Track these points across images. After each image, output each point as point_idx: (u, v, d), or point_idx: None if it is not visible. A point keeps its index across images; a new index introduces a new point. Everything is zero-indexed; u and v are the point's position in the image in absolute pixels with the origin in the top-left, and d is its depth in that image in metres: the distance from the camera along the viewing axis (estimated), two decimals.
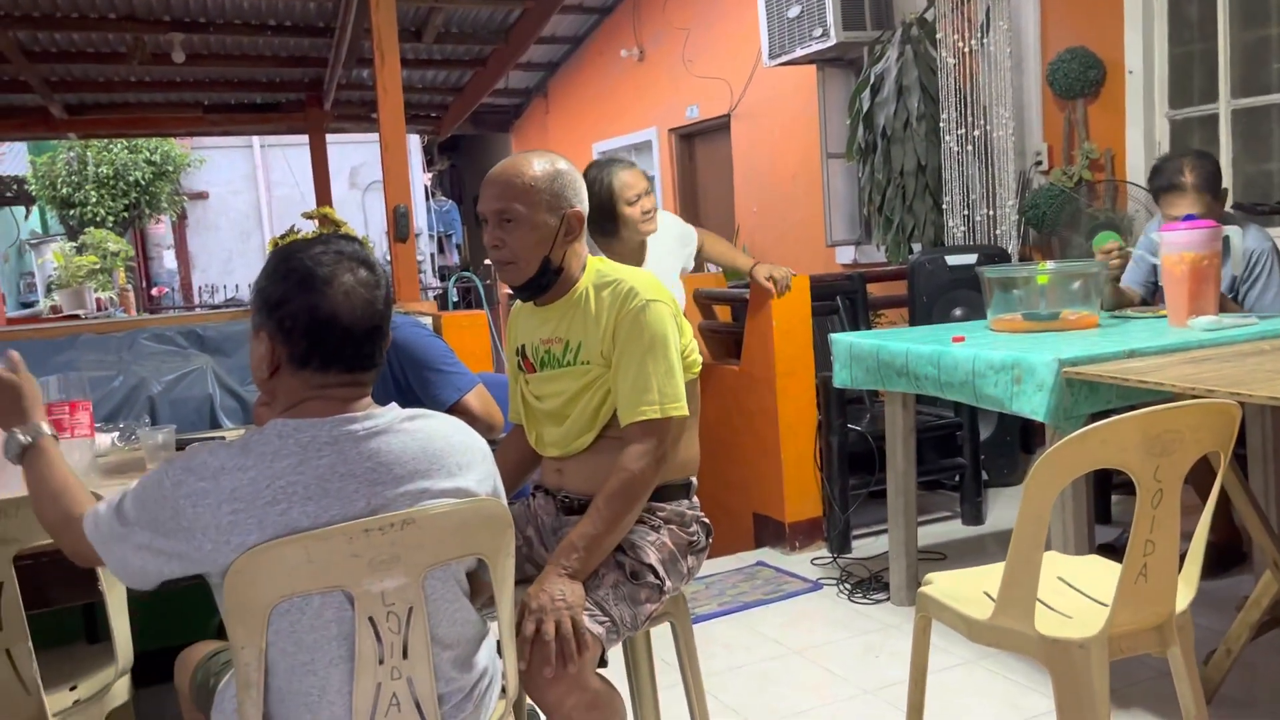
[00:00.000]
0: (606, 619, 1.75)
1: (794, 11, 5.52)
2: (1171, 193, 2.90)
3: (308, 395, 1.37)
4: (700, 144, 8.16)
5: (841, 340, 2.97)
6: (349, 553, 1.29)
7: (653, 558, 1.87)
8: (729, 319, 4.25)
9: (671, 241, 3.24)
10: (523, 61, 8.79)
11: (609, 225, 2.96)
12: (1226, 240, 2.69)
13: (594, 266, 1.98)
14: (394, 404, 1.42)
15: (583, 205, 1.92)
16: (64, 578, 1.76)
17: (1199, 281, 2.57)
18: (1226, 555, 2.99)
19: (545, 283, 1.93)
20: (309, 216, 4.59)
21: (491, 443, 2.25)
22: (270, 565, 1.26)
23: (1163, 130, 4.40)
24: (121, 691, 1.85)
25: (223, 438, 2.33)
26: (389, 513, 1.31)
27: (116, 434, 2.50)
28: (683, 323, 1.98)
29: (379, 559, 1.30)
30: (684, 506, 1.97)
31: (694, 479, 2.04)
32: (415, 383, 2.31)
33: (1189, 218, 2.72)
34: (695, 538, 1.97)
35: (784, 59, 5.72)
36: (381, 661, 1.33)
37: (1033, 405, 2.26)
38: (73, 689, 1.80)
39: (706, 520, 2.02)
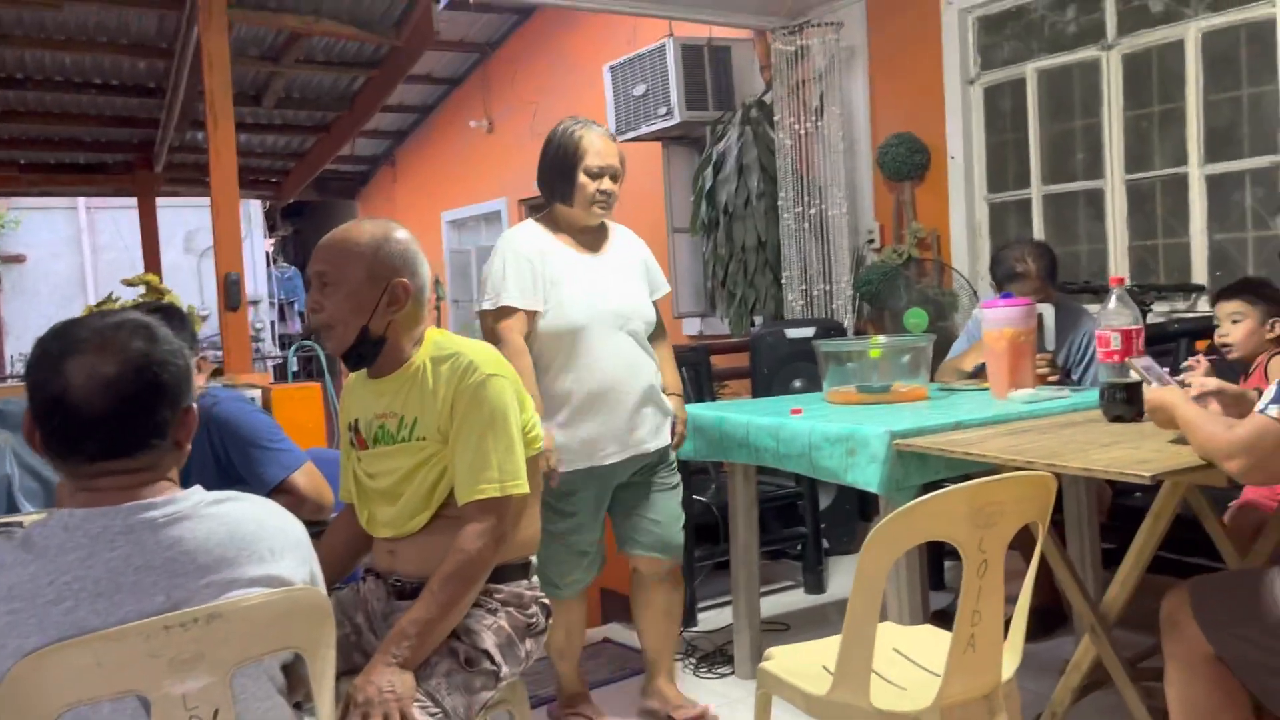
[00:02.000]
0: (439, 710, 1.67)
1: (639, 90, 5.66)
2: (1014, 281, 3.09)
3: (79, 484, 1.26)
4: None
5: (687, 412, 2.98)
6: (146, 653, 1.18)
7: (489, 643, 1.80)
8: None
9: (640, 271, 2.71)
10: (369, 129, 8.69)
11: (561, 186, 2.55)
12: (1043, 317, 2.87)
13: (433, 339, 1.93)
14: (198, 486, 1.32)
15: (414, 278, 1.88)
16: None
17: (1018, 356, 2.71)
18: (1049, 618, 3.11)
19: (364, 352, 1.87)
20: (130, 283, 4.37)
21: (321, 523, 2.15)
22: (54, 671, 1.14)
23: (982, 212, 4.68)
24: None
25: (20, 524, 2.12)
26: (192, 607, 1.21)
27: None
28: (524, 397, 1.94)
29: (180, 658, 1.19)
30: (523, 587, 1.92)
31: (534, 559, 1.98)
32: (238, 461, 2.18)
33: (1007, 295, 2.88)
34: (535, 620, 1.91)
35: (630, 135, 5.83)
36: None
37: (866, 477, 2.31)
38: None
39: (547, 601, 1.96)
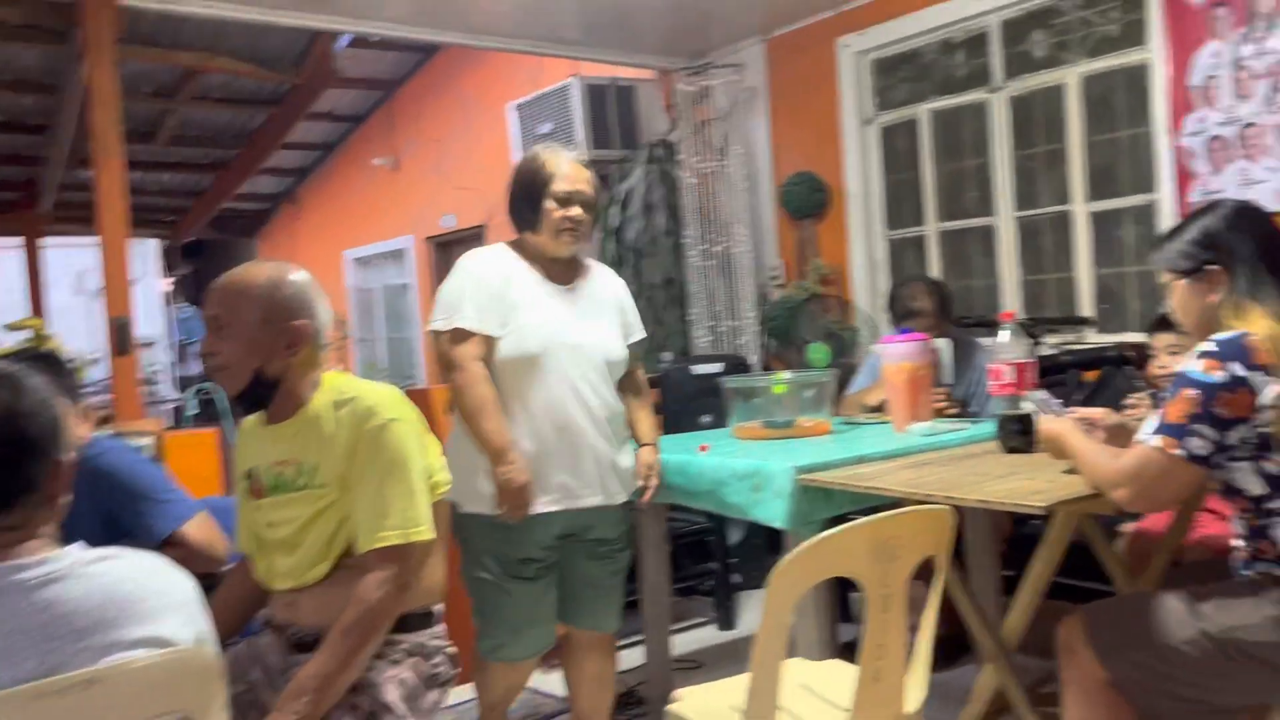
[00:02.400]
0: None
1: (545, 128, 5.67)
2: (910, 318, 3.18)
3: None
4: (457, 252, 8.10)
5: None
6: None
7: (392, 695, 1.75)
8: None
9: (613, 310, 2.53)
10: (270, 166, 8.53)
11: (528, 213, 2.39)
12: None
13: (332, 383, 1.88)
14: (76, 544, 1.26)
15: (311, 320, 1.83)
16: None
17: (916, 390, 2.77)
18: (953, 647, 3.17)
19: (260, 396, 1.82)
20: (14, 327, 4.19)
21: (215, 577, 2.07)
22: None
23: (882, 249, 4.80)
24: None
25: None
26: (68, 672, 1.15)
27: None
28: (429, 440, 1.91)
29: None
30: (427, 637, 1.87)
31: (439, 607, 1.94)
32: (125, 514, 2.09)
33: (905, 331, 2.95)
34: (440, 670, 1.87)
35: None
36: None
37: (771, 512, 2.32)
38: None
39: (453, 650, 1.92)
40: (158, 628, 1.25)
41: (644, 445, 2.56)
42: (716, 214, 5.04)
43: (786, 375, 3.04)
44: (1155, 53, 3.67)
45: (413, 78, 7.91)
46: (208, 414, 10.79)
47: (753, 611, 4.03)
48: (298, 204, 10.05)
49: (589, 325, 2.43)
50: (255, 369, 1.81)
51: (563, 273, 2.45)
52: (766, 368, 4.95)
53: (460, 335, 2.30)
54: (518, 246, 2.45)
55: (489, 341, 2.31)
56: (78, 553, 1.24)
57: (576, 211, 2.37)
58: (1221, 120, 3.48)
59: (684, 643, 3.67)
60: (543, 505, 2.33)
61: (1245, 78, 3.41)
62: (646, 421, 2.59)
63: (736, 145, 5.00)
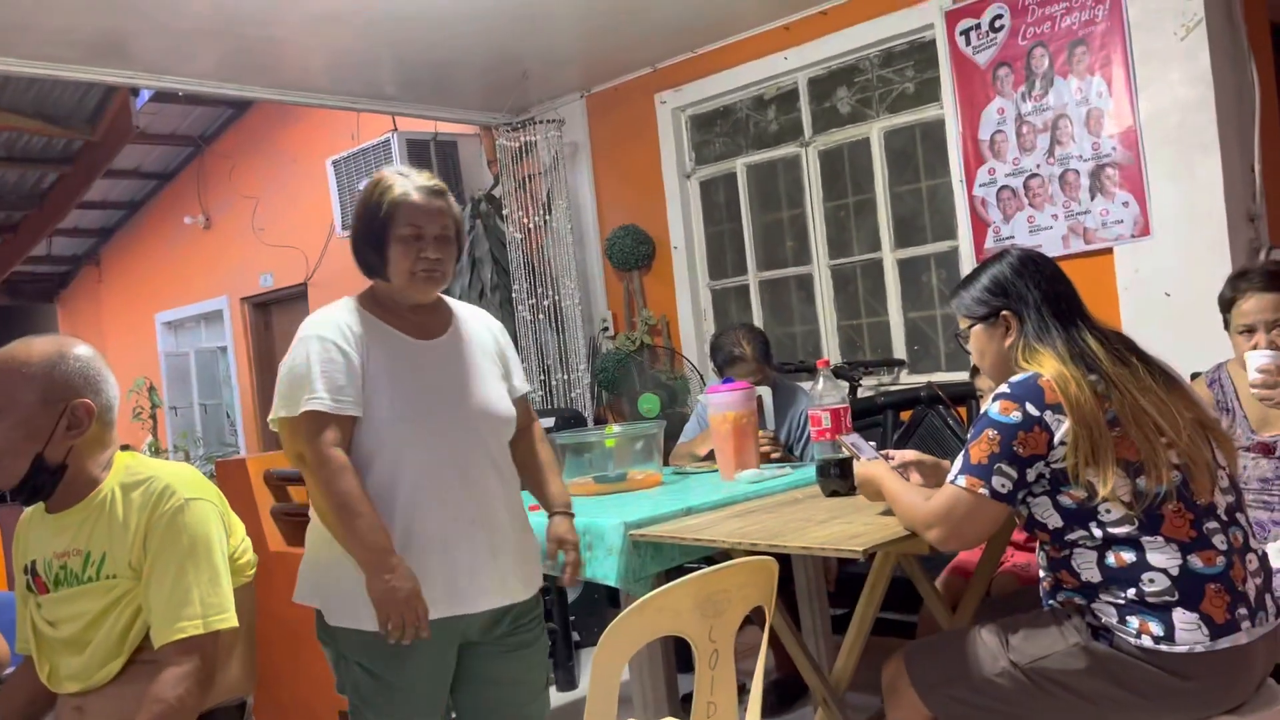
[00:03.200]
0: None
1: (363, 185, 5.54)
2: (732, 365, 3.23)
3: None
4: (277, 312, 7.84)
5: None
6: None
7: None
8: (304, 500, 3.98)
9: (493, 360, 2.08)
10: (67, 227, 8.01)
11: (373, 257, 1.94)
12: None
13: (123, 463, 1.74)
14: None
15: (97, 397, 1.70)
16: None
17: (741, 438, 2.81)
18: (789, 690, 3.21)
19: (41, 484, 1.67)
20: None
21: None
22: None
23: (706, 299, 4.90)
24: None
25: None
26: None
27: None
28: (232, 520, 1.79)
29: None
30: None
31: (249, 698, 1.81)
32: None
33: (728, 380, 2.99)
34: None
35: None
36: None
37: (604, 570, 2.29)
38: None
39: None
40: None
41: (555, 514, 2.11)
42: (544, 267, 5.03)
43: (617, 428, 3.03)
44: (948, 109, 3.91)
45: (225, 133, 7.63)
46: None
47: None
48: (101, 265, 9.47)
49: (468, 385, 1.98)
50: (35, 454, 1.66)
51: (427, 323, 2.00)
52: (599, 420, 4.95)
53: (315, 421, 1.80)
54: (369, 299, 2.00)
55: (349, 423, 1.85)
56: None
57: (433, 251, 1.92)
58: (1009, 172, 3.73)
59: None
60: (437, 614, 1.84)
61: (1027, 132, 3.67)
62: (555, 483, 2.18)
63: (561, 199, 5.02)
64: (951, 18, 3.81)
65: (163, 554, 1.65)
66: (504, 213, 5.09)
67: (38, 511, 1.76)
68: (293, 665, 3.34)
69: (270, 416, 1.85)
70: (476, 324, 2.08)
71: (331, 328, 1.90)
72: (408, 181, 1.93)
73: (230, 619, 1.67)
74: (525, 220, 5.05)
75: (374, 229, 1.92)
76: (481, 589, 1.91)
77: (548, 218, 5.02)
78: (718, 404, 2.84)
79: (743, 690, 3.38)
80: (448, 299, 2.08)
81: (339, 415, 1.82)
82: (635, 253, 4.94)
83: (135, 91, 5.52)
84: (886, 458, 2.12)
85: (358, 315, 1.95)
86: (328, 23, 3.88)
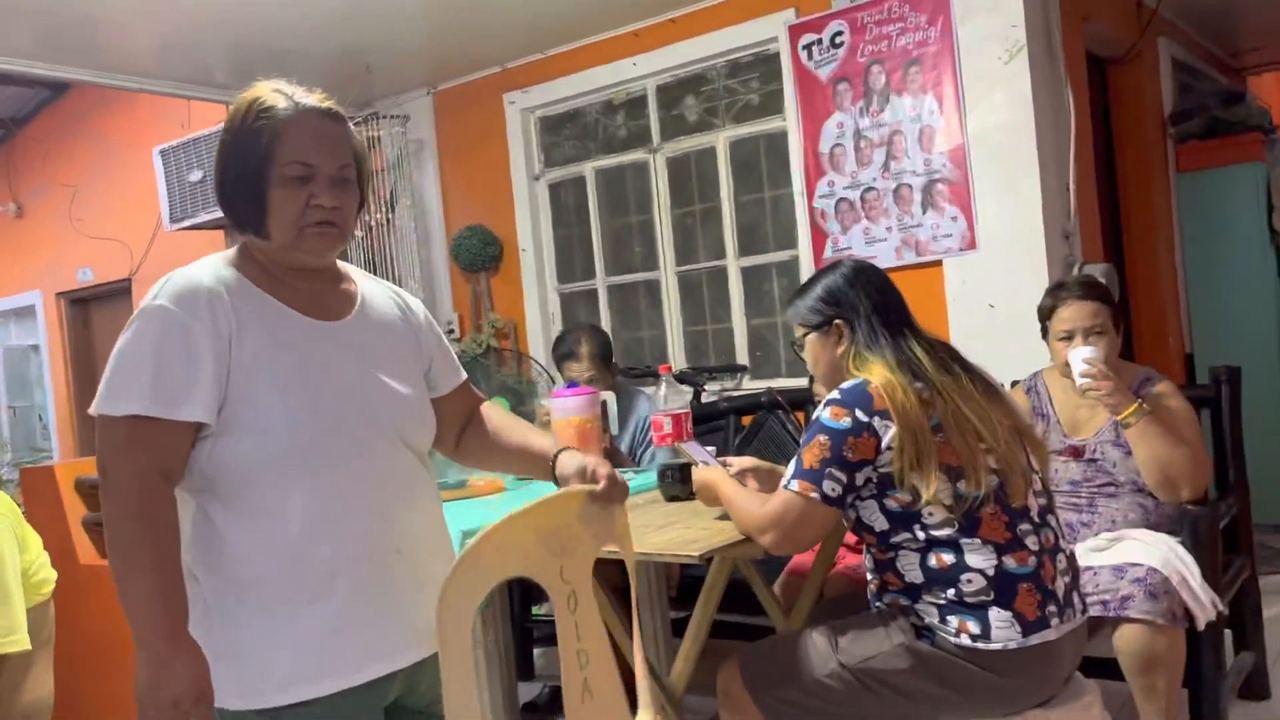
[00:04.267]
0: None
1: (196, 176, 5.27)
2: (570, 360, 3.24)
3: None
4: (97, 309, 7.37)
5: None
6: None
7: None
8: None
9: (411, 344, 1.61)
10: None
11: (245, 203, 1.43)
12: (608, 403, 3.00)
13: None
14: None
15: None
16: None
17: (584, 442, 2.79)
18: (629, 694, 3.20)
19: None
20: None
21: None
22: None
23: (554, 302, 4.87)
24: None
25: None
26: None
27: None
28: (27, 535, 1.65)
29: None
30: None
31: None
32: None
33: (573, 385, 2.97)
34: None
35: (187, 223, 5.40)
36: None
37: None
38: None
39: None
40: None
41: (560, 452, 1.65)
42: (389, 266, 4.89)
43: None
44: (790, 122, 4.00)
45: (38, 117, 7.12)
46: None
47: None
48: None
49: (380, 379, 1.50)
50: None
51: (324, 297, 1.50)
52: None
53: (130, 429, 1.31)
54: (248, 260, 1.47)
55: (187, 432, 1.35)
56: None
57: (328, 195, 1.43)
58: (847, 184, 3.85)
59: None
60: (328, 680, 1.39)
61: (865, 147, 3.80)
62: (533, 431, 1.77)
63: (405, 197, 4.89)
64: (794, 32, 3.91)
65: None
66: None
67: None
68: (100, 685, 3.13)
69: (91, 407, 1.35)
70: (384, 299, 1.58)
71: (189, 299, 1.36)
72: (292, 102, 1.45)
73: (21, 640, 1.54)
74: (368, 218, 4.90)
75: (247, 165, 1.42)
76: (413, 634, 1.45)
77: (391, 216, 4.88)
78: (562, 408, 2.81)
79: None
80: (347, 266, 1.58)
81: (171, 422, 1.32)
82: (482, 254, 4.86)
83: None
84: (725, 464, 2.14)
85: (233, 281, 1.41)
86: (154, 0, 3.66)
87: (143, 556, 1.29)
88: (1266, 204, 4.73)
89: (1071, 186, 3.64)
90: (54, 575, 1.68)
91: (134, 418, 1.31)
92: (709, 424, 3.69)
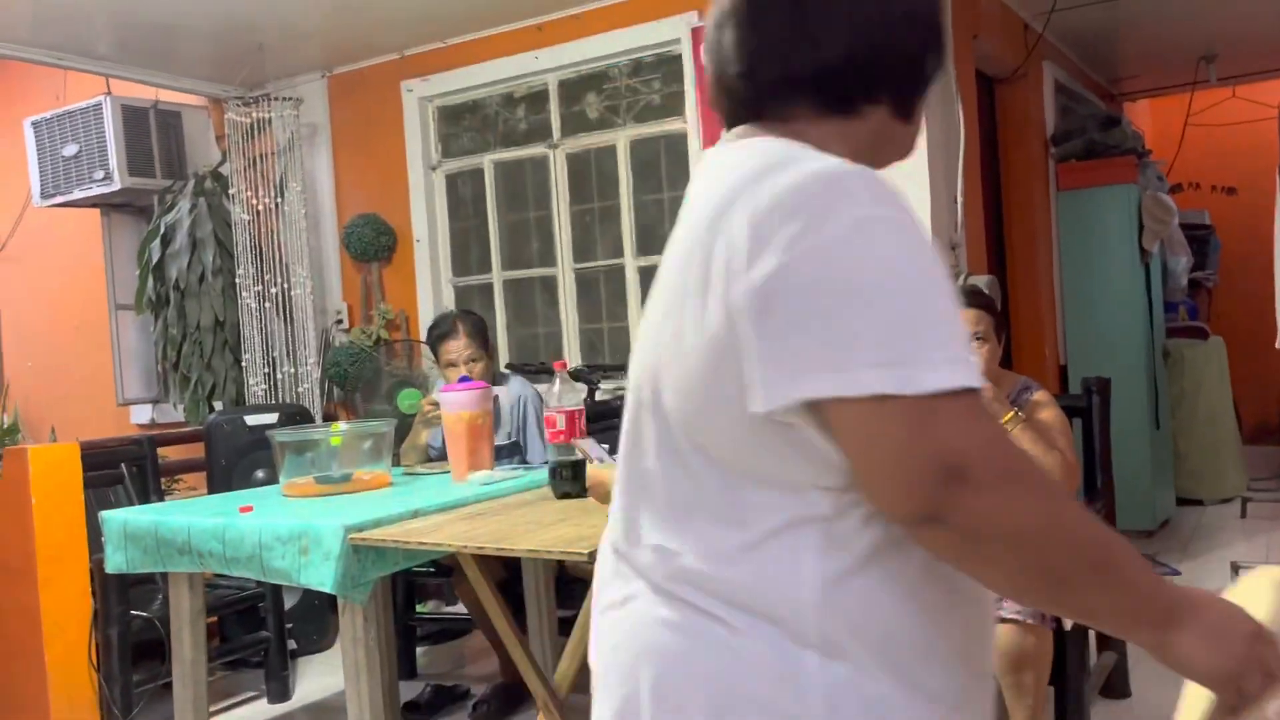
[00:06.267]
0: None
1: (71, 150, 5.01)
2: (449, 339, 3.23)
3: None
4: None
5: (114, 518, 2.61)
6: None
7: None
8: None
9: None
10: None
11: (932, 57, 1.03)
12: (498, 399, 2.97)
13: None
14: None
15: None
16: None
17: (476, 438, 2.75)
18: (512, 695, 3.18)
19: None
20: None
21: None
22: None
23: (449, 295, 4.79)
24: None
25: None
26: None
27: None
28: None
29: None
30: None
31: None
32: None
33: (465, 379, 2.93)
34: None
35: (60, 200, 5.13)
36: None
37: (320, 577, 2.17)
38: None
39: None
40: None
41: None
42: (275, 253, 4.74)
43: (344, 426, 2.89)
44: (690, 123, 4.02)
45: None
46: None
47: (310, 679, 3.77)
48: None
49: None
50: None
51: None
52: (330, 417, 4.72)
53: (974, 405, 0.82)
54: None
55: None
56: None
57: None
58: None
59: None
60: None
61: None
62: None
63: (295, 182, 4.74)
64: (697, 34, 3.93)
65: None
66: (230, 192, 4.74)
67: None
68: None
69: (808, 393, 0.81)
70: None
71: (906, 206, 0.91)
72: None
73: None
74: (255, 202, 4.73)
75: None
76: None
77: (280, 200, 4.73)
78: (453, 403, 2.77)
79: (466, 695, 3.32)
80: None
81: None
82: (375, 243, 4.75)
83: None
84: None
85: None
86: None
87: (1116, 550, 0.83)
88: (1138, 224, 4.97)
89: (959, 200, 3.75)
90: None
91: (968, 391, 0.80)
92: (603, 421, 3.69)
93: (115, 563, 2.62)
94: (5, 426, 5.49)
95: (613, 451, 2.18)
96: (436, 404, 3.02)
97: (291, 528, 2.24)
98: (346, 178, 4.92)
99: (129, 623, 3.13)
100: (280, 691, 3.55)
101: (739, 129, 1.00)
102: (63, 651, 3.08)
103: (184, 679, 2.69)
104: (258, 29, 4.27)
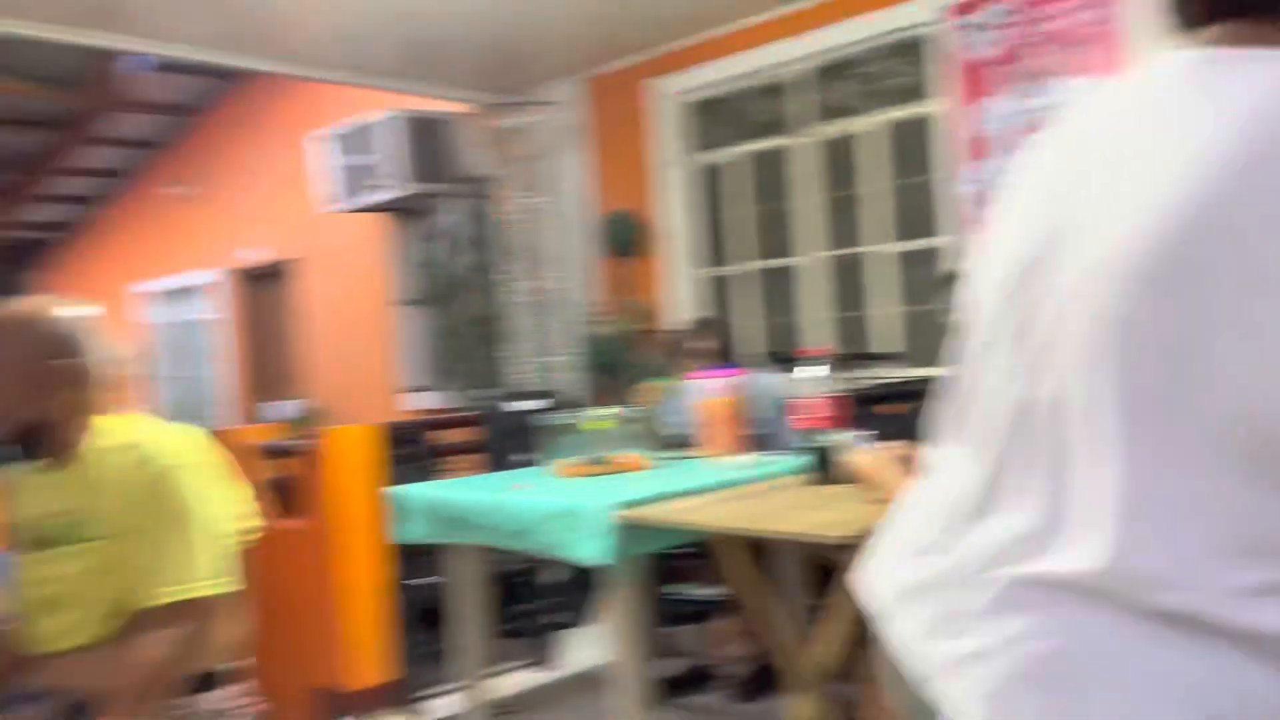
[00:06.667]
0: None
1: (359, 160, 5.52)
2: (691, 333, 3.32)
3: None
4: (264, 287, 7.80)
5: (401, 493, 2.87)
6: None
7: None
8: (291, 472, 3.97)
9: None
10: (50, 193, 7.92)
11: None
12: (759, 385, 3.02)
13: (109, 426, 1.73)
14: None
15: (79, 358, 1.69)
16: None
17: (728, 425, 2.81)
18: (762, 680, 3.22)
19: (26, 443, 1.66)
20: None
21: None
22: None
23: (698, 287, 4.90)
24: None
25: None
26: None
27: None
28: (226, 488, 1.78)
29: None
30: (219, 699, 1.74)
31: (239, 665, 1.81)
32: None
33: (712, 368, 3.01)
34: None
35: (352, 205, 5.67)
36: None
37: (588, 551, 2.29)
38: None
39: (259, 709, 1.79)
40: None
41: None
42: (536, 250, 5.02)
43: (604, 411, 3.03)
44: (945, 105, 3.91)
45: (217, 102, 7.56)
46: None
47: (574, 651, 3.98)
48: (83, 234, 9.38)
49: None
50: (16, 415, 1.65)
51: None
52: (587, 404, 4.94)
53: None
54: None
55: None
56: None
57: None
58: (1000, 170, 3.73)
59: (506, 686, 3.58)
60: None
61: (1021, 131, 3.68)
62: None
63: (555, 182, 5.00)
64: (952, 13, 3.81)
65: (145, 519, 1.64)
66: (497, 194, 5.07)
67: (22, 473, 1.75)
68: (267, 641, 3.34)
69: None
70: None
71: None
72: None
73: (215, 585, 1.66)
74: (518, 202, 5.03)
75: None
76: None
77: (541, 200, 5.00)
78: (708, 389, 2.85)
79: (718, 675, 3.38)
80: None
81: None
82: (627, 238, 4.93)
83: (126, 56, 5.47)
84: (888, 451, 2.12)
85: None
86: None
87: None
88: None
89: None
90: (251, 528, 1.81)
91: None
92: (858, 411, 3.66)
93: (403, 534, 2.88)
94: (311, 412, 6.10)
95: (881, 440, 2.17)
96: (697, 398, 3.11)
97: (562, 505, 2.39)
98: (600, 176, 5.13)
99: (416, 590, 3.42)
100: (546, 662, 3.77)
101: (1213, 30, 0.73)
102: (361, 612, 3.42)
103: (463, 643, 2.93)
104: (520, 39, 4.53)
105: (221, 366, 7.95)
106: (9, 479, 1.78)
